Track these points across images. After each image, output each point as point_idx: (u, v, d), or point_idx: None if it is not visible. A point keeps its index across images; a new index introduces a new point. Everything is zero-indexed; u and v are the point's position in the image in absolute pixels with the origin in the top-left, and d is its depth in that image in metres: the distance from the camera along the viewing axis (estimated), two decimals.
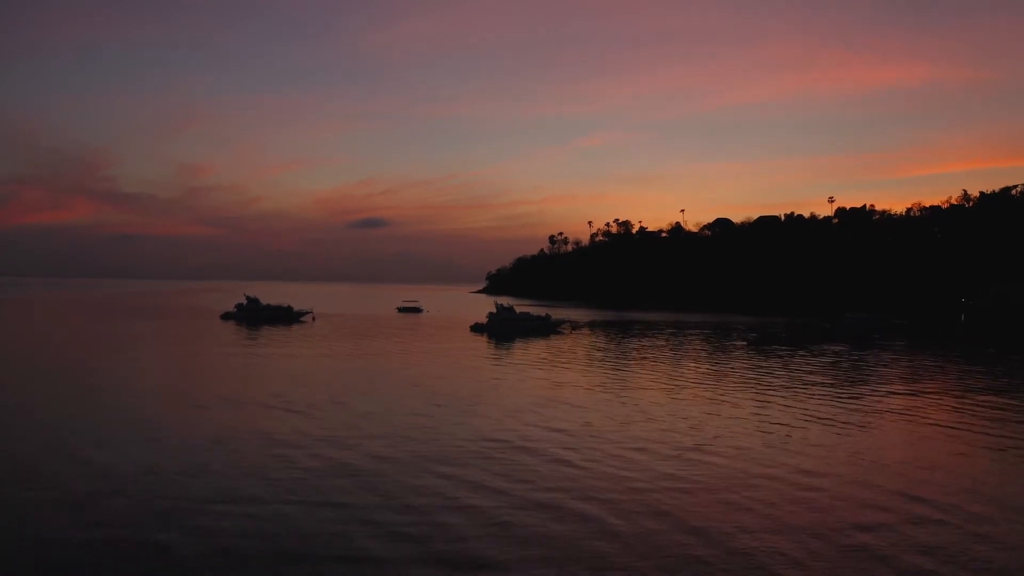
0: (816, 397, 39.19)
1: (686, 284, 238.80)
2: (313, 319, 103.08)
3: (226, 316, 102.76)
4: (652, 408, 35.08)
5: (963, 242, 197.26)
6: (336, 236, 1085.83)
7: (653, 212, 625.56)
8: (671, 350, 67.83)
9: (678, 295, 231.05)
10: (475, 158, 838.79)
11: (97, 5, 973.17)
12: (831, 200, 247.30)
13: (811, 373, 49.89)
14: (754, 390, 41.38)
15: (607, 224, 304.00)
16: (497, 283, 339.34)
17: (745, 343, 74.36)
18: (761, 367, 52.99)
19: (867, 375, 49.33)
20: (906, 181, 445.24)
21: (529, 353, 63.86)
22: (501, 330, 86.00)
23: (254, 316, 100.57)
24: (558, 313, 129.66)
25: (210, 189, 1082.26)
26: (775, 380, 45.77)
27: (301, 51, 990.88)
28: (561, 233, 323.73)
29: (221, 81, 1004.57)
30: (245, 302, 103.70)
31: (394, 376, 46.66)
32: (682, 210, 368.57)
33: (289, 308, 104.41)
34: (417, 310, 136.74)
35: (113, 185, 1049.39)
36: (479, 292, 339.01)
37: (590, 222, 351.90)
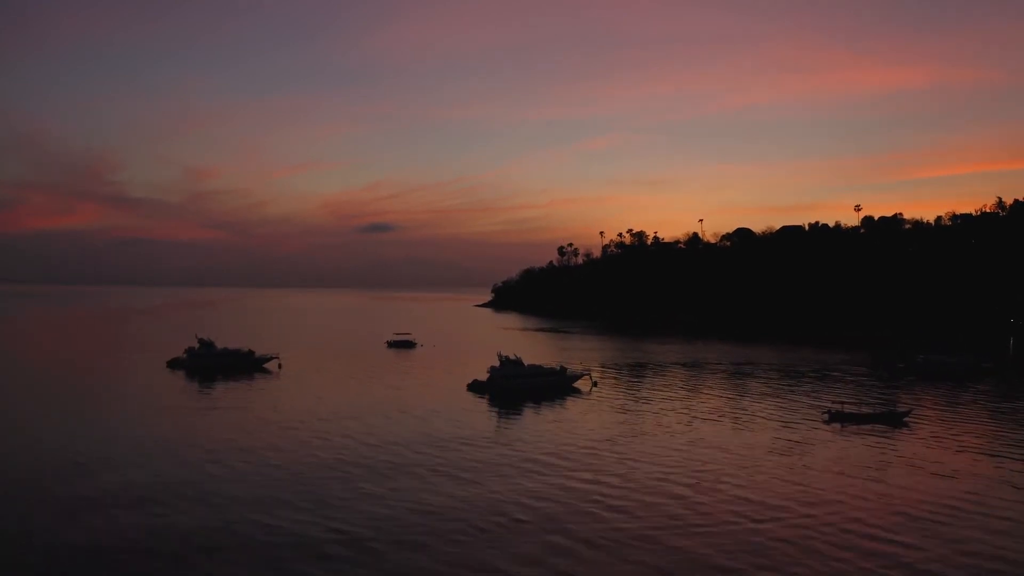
0: None
1: (706, 299, 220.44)
2: (279, 366, 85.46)
3: (174, 363, 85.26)
4: None
5: (1000, 252, 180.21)
6: (343, 240, 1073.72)
7: (662, 215, 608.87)
8: (740, 427, 49.88)
9: (698, 312, 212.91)
10: (480, 161, 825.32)
11: (101, 6, 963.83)
12: (858, 208, 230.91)
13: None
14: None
15: (620, 235, 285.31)
16: (503, 295, 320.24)
17: (827, 415, 56.32)
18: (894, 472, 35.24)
19: None
20: (923, 182, 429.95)
21: (544, 433, 46.22)
22: (505, 390, 67.80)
23: (207, 364, 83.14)
24: (571, 358, 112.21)
25: (216, 193, 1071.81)
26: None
27: (306, 53, 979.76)
28: (571, 244, 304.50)
29: (225, 82, 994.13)
30: (197, 346, 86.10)
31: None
32: (700, 220, 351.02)
33: (250, 353, 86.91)
34: (409, 344, 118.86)
35: (119, 189, 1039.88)
36: (484, 305, 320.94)
37: (602, 232, 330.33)
